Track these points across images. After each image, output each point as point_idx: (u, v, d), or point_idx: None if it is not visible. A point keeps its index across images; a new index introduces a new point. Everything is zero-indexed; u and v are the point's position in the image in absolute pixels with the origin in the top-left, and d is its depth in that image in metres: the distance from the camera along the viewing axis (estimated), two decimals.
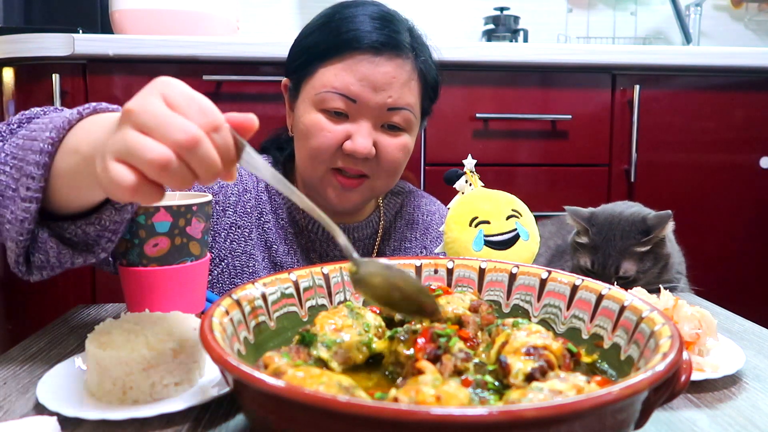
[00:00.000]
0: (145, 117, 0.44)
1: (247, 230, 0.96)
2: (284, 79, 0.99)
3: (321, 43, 0.90)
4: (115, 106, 0.62)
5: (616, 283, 1.01)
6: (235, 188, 0.97)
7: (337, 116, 0.89)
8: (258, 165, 0.48)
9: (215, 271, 0.95)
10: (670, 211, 1.00)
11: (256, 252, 0.97)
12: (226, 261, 0.95)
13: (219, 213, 0.94)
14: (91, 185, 0.56)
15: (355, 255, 0.51)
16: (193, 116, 0.44)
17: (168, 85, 0.47)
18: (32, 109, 0.67)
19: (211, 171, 0.45)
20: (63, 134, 0.58)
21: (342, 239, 0.51)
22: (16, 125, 0.65)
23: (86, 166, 0.54)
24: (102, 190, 0.55)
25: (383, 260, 0.53)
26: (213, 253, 0.94)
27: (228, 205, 0.95)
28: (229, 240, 0.95)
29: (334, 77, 0.88)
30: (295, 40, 0.97)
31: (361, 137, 0.88)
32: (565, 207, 1.06)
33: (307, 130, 0.90)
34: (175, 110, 0.45)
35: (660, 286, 0.85)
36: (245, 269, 0.96)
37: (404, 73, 0.90)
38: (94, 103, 0.62)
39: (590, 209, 1.08)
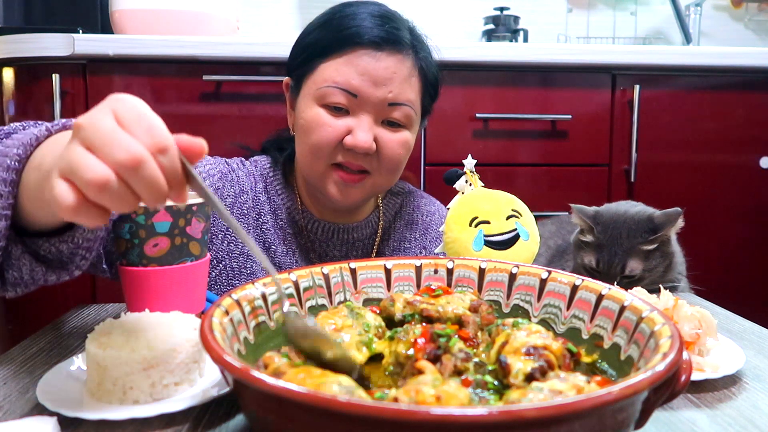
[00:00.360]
0: (92, 133, 0.43)
1: (245, 231, 0.96)
2: (286, 79, 0.99)
3: (322, 40, 0.91)
4: None
5: (619, 282, 1.01)
6: (232, 190, 0.97)
7: (338, 111, 0.89)
8: (206, 192, 0.47)
9: (213, 273, 0.95)
10: (679, 209, 1.00)
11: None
12: (223, 263, 0.95)
13: (215, 215, 0.94)
14: None
15: (286, 304, 0.51)
16: (140, 135, 0.43)
17: (121, 101, 0.45)
18: (13, 124, 0.66)
19: (155, 194, 0.44)
20: (30, 151, 0.57)
21: (272, 272, 0.51)
22: None
23: (47, 183, 0.53)
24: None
25: (310, 321, 0.51)
26: (211, 255, 0.94)
27: (224, 206, 0.95)
28: (226, 242, 0.95)
29: (336, 72, 0.88)
30: (297, 39, 0.97)
31: (362, 132, 0.88)
32: (571, 205, 1.06)
33: (307, 125, 0.90)
34: (124, 128, 0.43)
35: (660, 285, 0.85)
36: (243, 270, 0.96)
37: (405, 69, 0.90)
38: (64, 120, 0.62)
39: (594, 208, 1.07)
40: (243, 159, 1.04)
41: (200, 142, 0.46)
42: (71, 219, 0.44)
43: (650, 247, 1.01)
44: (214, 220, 0.94)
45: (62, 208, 0.43)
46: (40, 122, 0.65)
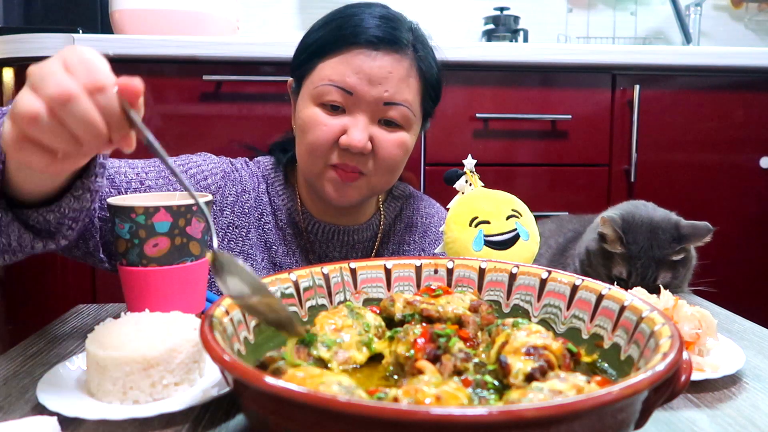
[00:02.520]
0: (36, 75, 0.45)
1: (245, 230, 0.96)
2: (289, 80, 1.00)
3: (321, 40, 0.91)
4: None
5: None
6: (234, 189, 0.97)
7: (334, 110, 0.89)
8: (146, 136, 0.48)
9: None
10: (710, 227, 0.98)
11: (255, 252, 0.97)
12: None
13: (216, 213, 0.95)
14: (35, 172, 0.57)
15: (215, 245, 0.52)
16: (79, 75, 0.45)
17: (71, 49, 0.47)
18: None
19: (90, 131, 0.45)
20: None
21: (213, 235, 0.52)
22: None
23: None
24: None
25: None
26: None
27: (225, 205, 0.95)
28: (227, 240, 0.95)
29: (332, 70, 0.88)
30: (300, 40, 0.97)
31: (357, 130, 0.88)
32: (603, 215, 1.01)
33: (304, 124, 0.90)
34: (67, 71, 0.45)
35: (660, 285, 0.85)
36: None
37: (402, 69, 0.90)
38: None
39: (620, 214, 1.03)
40: (247, 159, 1.04)
41: (136, 82, 0.47)
42: (16, 156, 0.46)
43: (678, 258, 0.99)
44: (214, 218, 0.94)
45: (5, 143, 0.45)
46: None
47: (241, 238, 0.96)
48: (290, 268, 0.99)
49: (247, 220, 0.97)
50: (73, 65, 0.46)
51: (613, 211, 1.06)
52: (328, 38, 0.90)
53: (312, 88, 0.90)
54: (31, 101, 0.44)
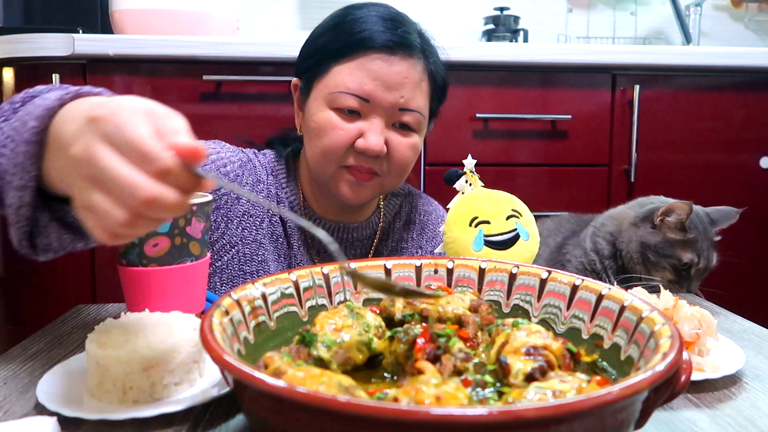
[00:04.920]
0: (97, 175, 0.44)
1: (259, 219, 0.98)
2: (294, 80, 1.00)
3: (333, 43, 0.92)
4: (99, 89, 0.61)
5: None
6: (250, 178, 0.98)
7: (350, 114, 0.90)
8: (224, 183, 0.48)
9: (225, 257, 0.96)
10: (733, 208, 1.06)
11: (266, 241, 0.98)
12: (236, 248, 0.97)
13: (233, 201, 0.96)
14: None
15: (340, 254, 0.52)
16: (140, 164, 0.43)
17: (109, 123, 0.45)
18: (38, 87, 0.67)
19: (175, 211, 0.45)
20: (47, 122, 0.58)
21: (330, 241, 0.51)
22: (19, 104, 0.65)
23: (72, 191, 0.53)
24: None
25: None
26: (224, 239, 0.96)
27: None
28: (240, 227, 0.97)
29: (348, 77, 0.89)
30: (306, 41, 0.98)
31: (374, 135, 0.89)
32: (684, 202, 1.00)
33: (319, 128, 0.91)
34: (122, 157, 0.44)
35: (660, 285, 0.85)
36: (254, 257, 0.97)
37: (416, 74, 0.91)
38: (75, 87, 0.61)
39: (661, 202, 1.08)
40: (256, 150, 1.05)
41: (198, 147, 0.45)
42: (111, 244, 0.47)
43: (718, 239, 1.04)
44: (230, 206, 0.95)
45: (98, 239, 0.47)
46: (64, 85, 0.64)
47: (255, 227, 0.97)
48: (291, 259, 1.01)
49: (261, 209, 0.98)
50: (123, 150, 0.44)
51: (634, 205, 1.10)
52: (340, 42, 0.91)
53: (327, 92, 0.91)
54: (119, 214, 0.43)
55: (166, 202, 0.43)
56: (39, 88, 0.67)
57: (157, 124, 0.45)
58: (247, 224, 0.97)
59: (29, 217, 0.60)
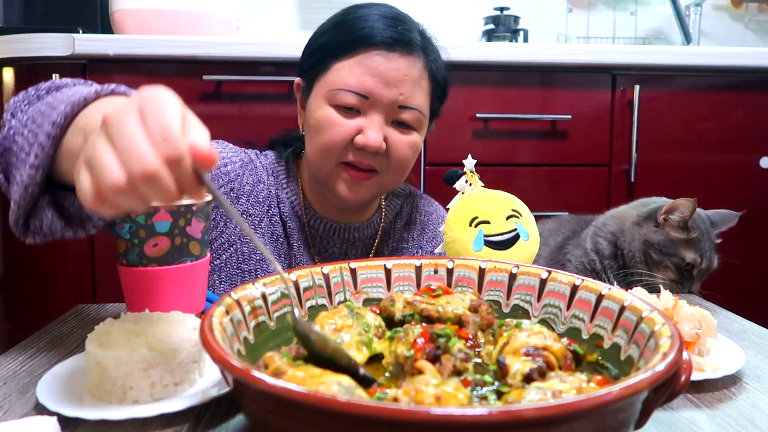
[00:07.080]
0: (116, 132, 0.45)
1: (258, 218, 0.98)
2: (297, 79, 1.00)
3: (334, 41, 0.92)
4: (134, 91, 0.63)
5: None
6: (251, 178, 0.99)
7: (349, 111, 0.90)
8: (217, 196, 0.48)
9: (224, 256, 0.97)
10: (732, 211, 1.06)
11: (266, 242, 0.99)
12: (234, 246, 0.97)
13: (233, 200, 0.96)
14: None
15: (296, 313, 0.52)
16: (157, 143, 0.44)
17: (148, 100, 0.47)
18: (63, 79, 0.70)
19: (165, 198, 0.45)
20: (78, 110, 0.60)
21: (279, 269, 0.52)
22: (44, 91, 0.67)
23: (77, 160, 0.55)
24: None
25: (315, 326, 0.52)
26: (223, 238, 0.97)
27: (242, 193, 0.98)
28: (239, 226, 0.97)
29: (348, 74, 0.89)
30: (308, 40, 0.99)
31: (373, 131, 0.89)
32: (688, 200, 1.01)
33: (318, 124, 0.91)
34: (145, 131, 0.45)
35: (660, 286, 0.85)
36: (253, 256, 0.98)
37: (416, 71, 0.91)
38: (113, 85, 0.64)
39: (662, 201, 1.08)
40: (258, 151, 1.05)
41: (213, 153, 0.47)
42: (90, 209, 0.46)
43: (718, 241, 1.04)
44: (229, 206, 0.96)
45: (82, 199, 0.46)
46: (90, 81, 0.68)
47: (254, 227, 0.98)
48: (291, 259, 1.01)
49: (260, 209, 0.99)
50: (150, 126, 0.45)
51: (637, 204, 1.10)
52: (341, 40, 0.91)
53: (327, 90, 0.91)
54: (116, 174, 0.43)
55: (163, 184, 0.44)
56: (66, 80, 0.70)
57: (186, 124, 0.47)
58: (247, 223, 0.97)
59: (34, 197, 0.61)
